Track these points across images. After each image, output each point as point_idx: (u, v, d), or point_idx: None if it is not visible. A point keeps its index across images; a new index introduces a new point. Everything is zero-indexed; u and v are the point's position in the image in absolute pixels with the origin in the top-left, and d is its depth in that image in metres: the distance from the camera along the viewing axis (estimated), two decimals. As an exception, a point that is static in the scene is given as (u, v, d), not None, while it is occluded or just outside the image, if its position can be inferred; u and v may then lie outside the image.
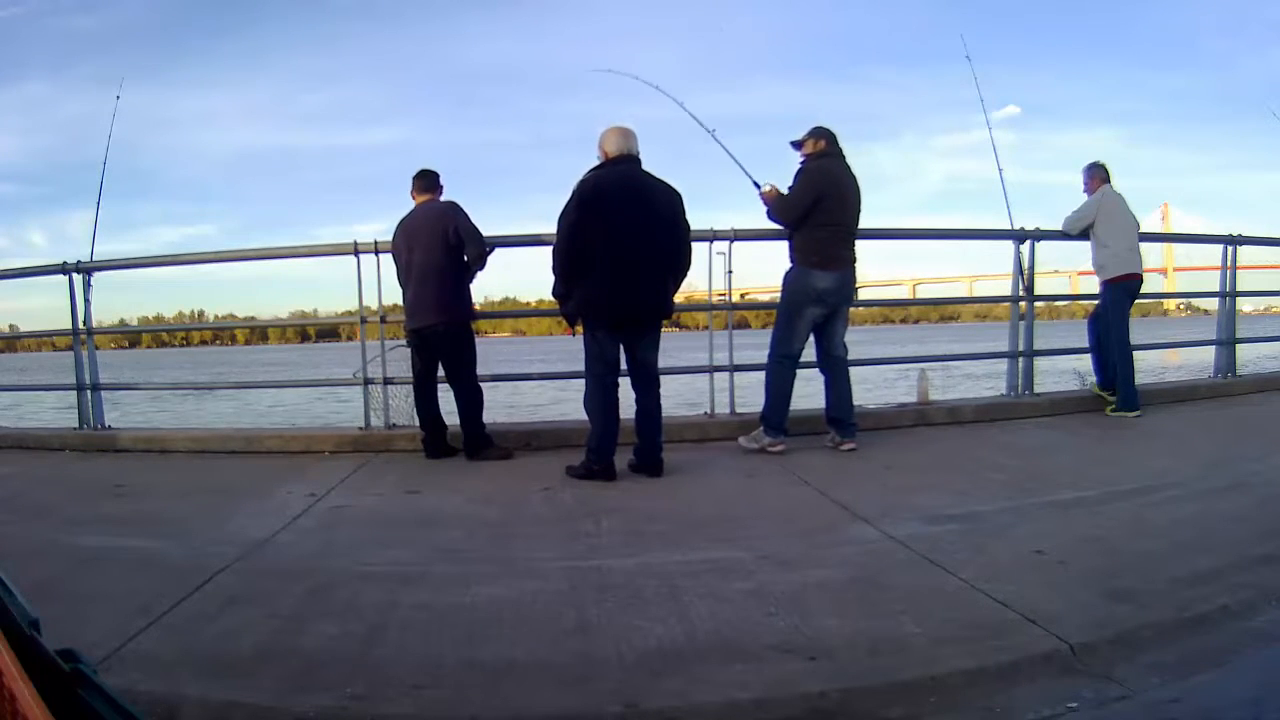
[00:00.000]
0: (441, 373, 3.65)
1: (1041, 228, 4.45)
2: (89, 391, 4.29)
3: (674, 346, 3.84)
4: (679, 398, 4.70)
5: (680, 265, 3.19)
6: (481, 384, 3.66)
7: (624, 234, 2.95)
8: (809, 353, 3.62)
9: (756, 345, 3.67)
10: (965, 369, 9.69)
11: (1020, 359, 4.54)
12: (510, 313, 10.47)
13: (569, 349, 3.61)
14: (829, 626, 1.62)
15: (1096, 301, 4.45)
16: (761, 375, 3.64)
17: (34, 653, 0.46)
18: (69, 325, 4.27)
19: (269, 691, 1.42)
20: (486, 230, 3.61)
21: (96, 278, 4.27)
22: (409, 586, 1.92)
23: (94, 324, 4.39)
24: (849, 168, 3.56)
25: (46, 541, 2.35)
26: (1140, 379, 4.44)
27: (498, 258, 3.77)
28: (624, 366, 3.16)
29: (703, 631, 1.62)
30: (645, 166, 3.12)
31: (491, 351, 4.90)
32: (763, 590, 1.83)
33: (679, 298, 3.35)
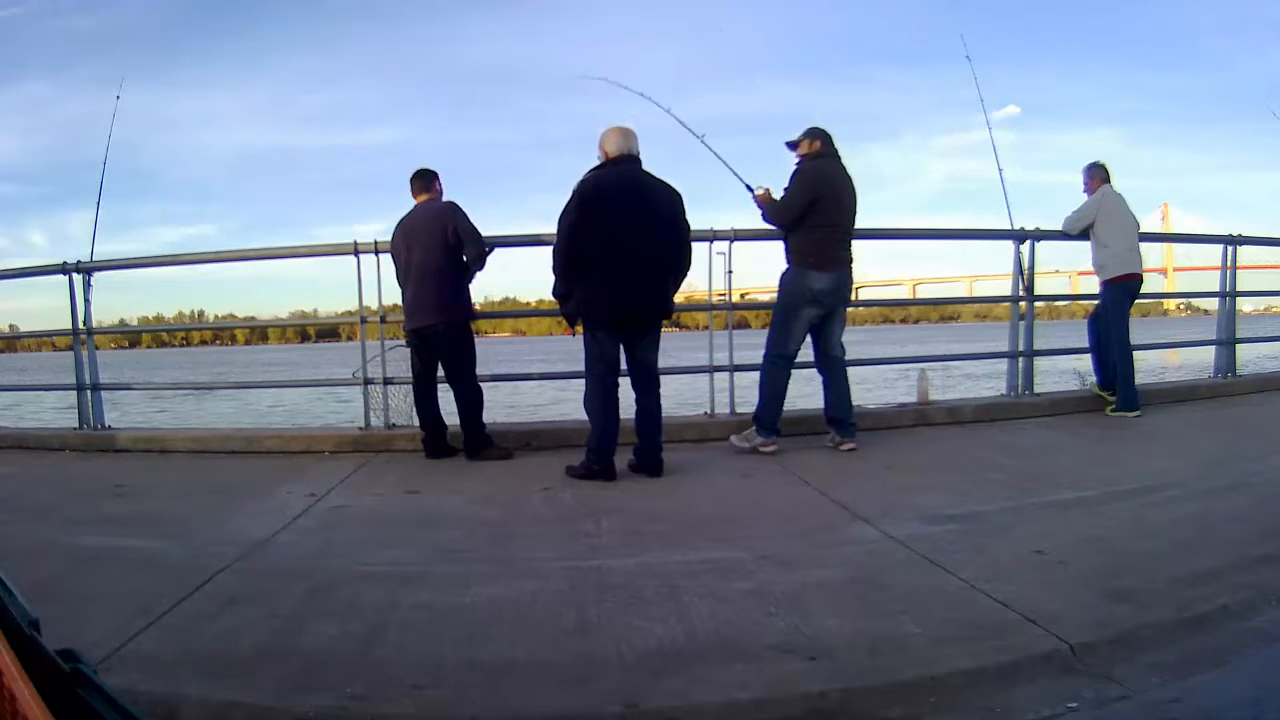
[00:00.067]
0: (441, 373, 3.65)
1: (1041, 228, 4.45)
2: (89, 391, 4.29)
3: (674, 346, 3.84)
4: (679, 398, 4.70)
5: (680, 265, 3.19)
6: (481, 384, 3.66)
7: (624, 234, 2.95)
8: (807, 353, 3.62)
9: (756, 345, 3.67)
10: (965, 369, 9.69)
11: (1020, 359, 4.54)
12: (510, 313, 10.47)
13: (569, 349, 3.61)
14: (829, 626, 1.62)
15: (1096, 301, 4.45)
16: (761, 375, 3.63)
17: (34, 653, 0.46)
18: (69, 325, 4.27)
19: (269, 691, 1.42)
20: (486, 230, 3.61)
21: (96, 278, 4.27)
22: (409, 586, 1.92)
23: (94, 324, 4.39)
24: (844, 168, 3.56)
25: (46, 541, 2.35)
26: (1140, 379, 4.44)
27: (497, 258, 3.77)
28: (624, 366, 3.16)
29: (703, 631, 1.62)
30: (646, 167, 3.12)
31: (491, 351, 4.90)
32: (763, 590, 1.83)
33: (679, 298, 3.35)
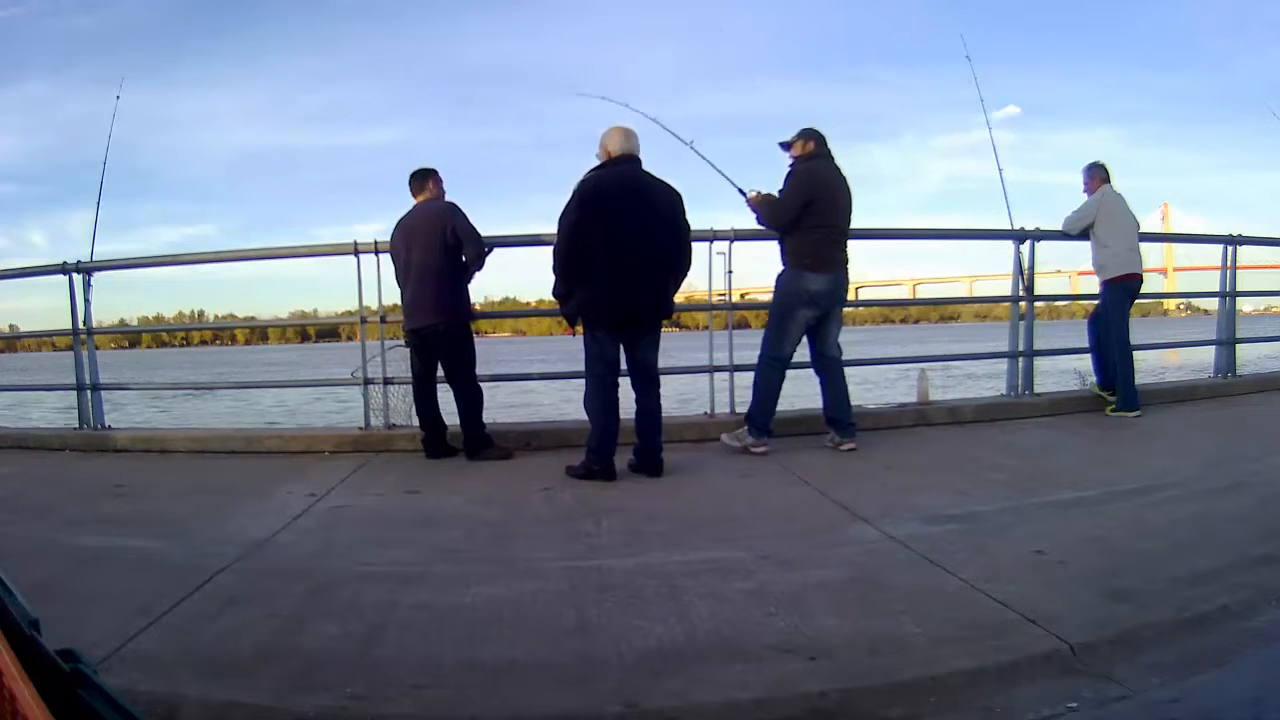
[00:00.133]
0: (441, 373, 3.65)
1: (1041, 228, 4.46)
2: (89, 391, 4.29)
3: (674, 346, 3.84)
4: (679, 397, 4.70)
5: (680, 265, 3.19)
6: (482, 384, 3.66)
7: (624, 234, 2.95)
8: (804, 354, 3.62)
9: (756, 345, 3.67)
10: (965, 369, 9.70)
11: (1020, 359, 4.54)
12: (510, 313, 10.47)
13: (569, 349, 3.61)
14: (829, 626, 1.62)
15: (1096, 301, 4.45)
16: (760, 376, 3.63)
17: (34, 653, 0.46)
18: (69, 325, 4.27)
19: (269, 691, 1.42)
20: (486, 230, 3.61)
21: (96, 278, 4.27)
22: (409, 586, 1.92)
23: (94, 324, 4.40)
24: (839, 169, 3.55)
25: (46, 541, 2.35)
26: (1140, 379, 4.44)
27: (497, 257, 3.77)
28: (624, 366, 3.16)
29: (703, 631, 1.62)
30: (646, 168, 3.12)
31: (492, 351, 4.90)
32: (763, 590, 1.83)
33: (679, 298, 3.35)
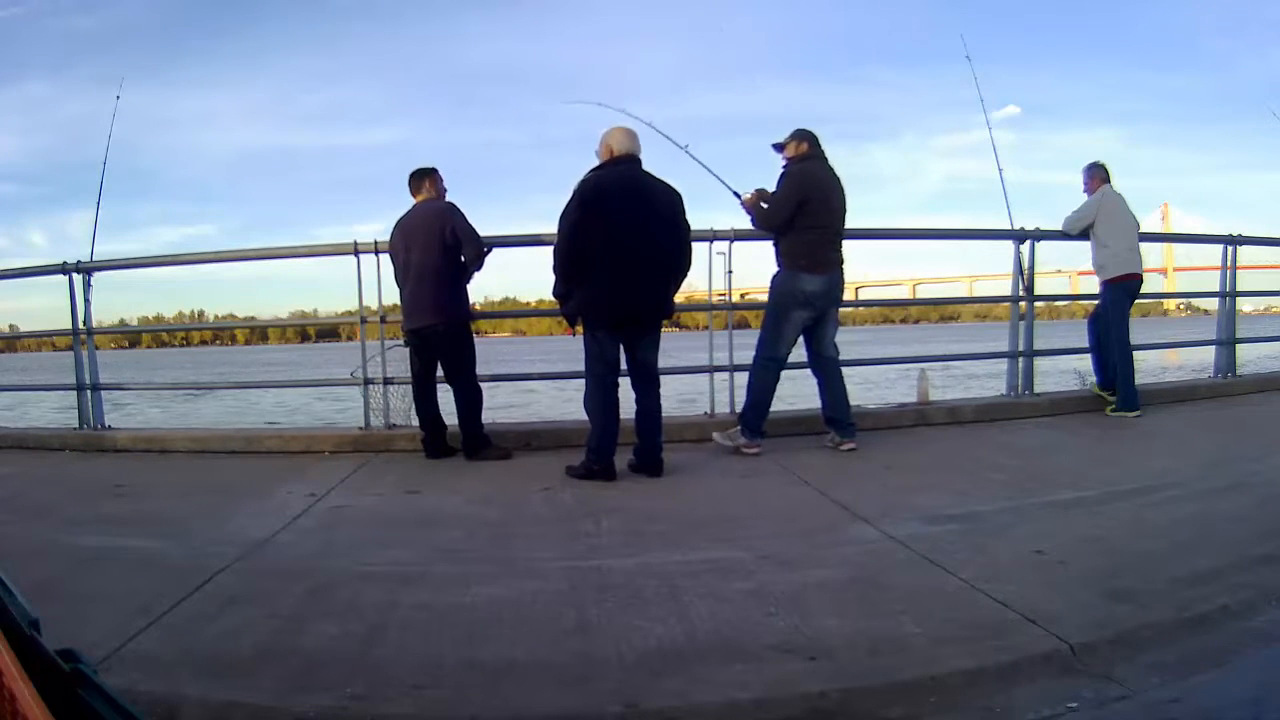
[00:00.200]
0: (441, 373, 3.65)
1: (1041, 228, 4.46)
2: (89, 391, 4.29)
3: (674, 346, 3.84)
4: (679, 397, 4.70)
5: (680, 265, 3.19)
6: (482, 384, 3.66)
7: (624, 234, 2.95)
8: (802, 355, 3.62)
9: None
10: (965, 369, 9.69)
11: (1020, 359, 4.54)
12: (510, 313, 10.46)
13: (569, 349, 3.61)
14: (829, 626, 1.62)
15: (1096, 301, 4.45)
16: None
17: (34, 653, 0.46)
18: (69, 325, 4.27)
19: (269, 691, 1.42)
20: (486, 230, 3.61)
21: (96, 278, 4.27)
22: (409, 586, 1.92)
23: (94, 324, 4.40)
24: (832, 169, 3.55)
25: (46, 541, 2.35)
26: (1140, 379, 4.44)
27: (497, 257, 3.77)
28: (624, 366, 3.16)
29: (703, 631, 1.62)
30: (646, 167, 3.12)
31: (492, 351, 4.90)
32: (763, 590, 1.83)
33: (679, 298, 3.35)
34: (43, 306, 5.70)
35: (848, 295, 3.74)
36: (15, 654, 0.44)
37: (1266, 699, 1.13)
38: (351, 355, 4.12)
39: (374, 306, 4.09)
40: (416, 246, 3.52)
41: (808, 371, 3.69)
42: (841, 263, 3.56)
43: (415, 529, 2.49)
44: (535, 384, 5.75)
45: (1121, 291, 4.30)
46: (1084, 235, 4.34)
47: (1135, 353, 4.32)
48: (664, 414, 3.23)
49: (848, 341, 3.66)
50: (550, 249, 3.15)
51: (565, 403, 5.52)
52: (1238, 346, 5.26)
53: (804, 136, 3.54)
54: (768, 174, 3.67)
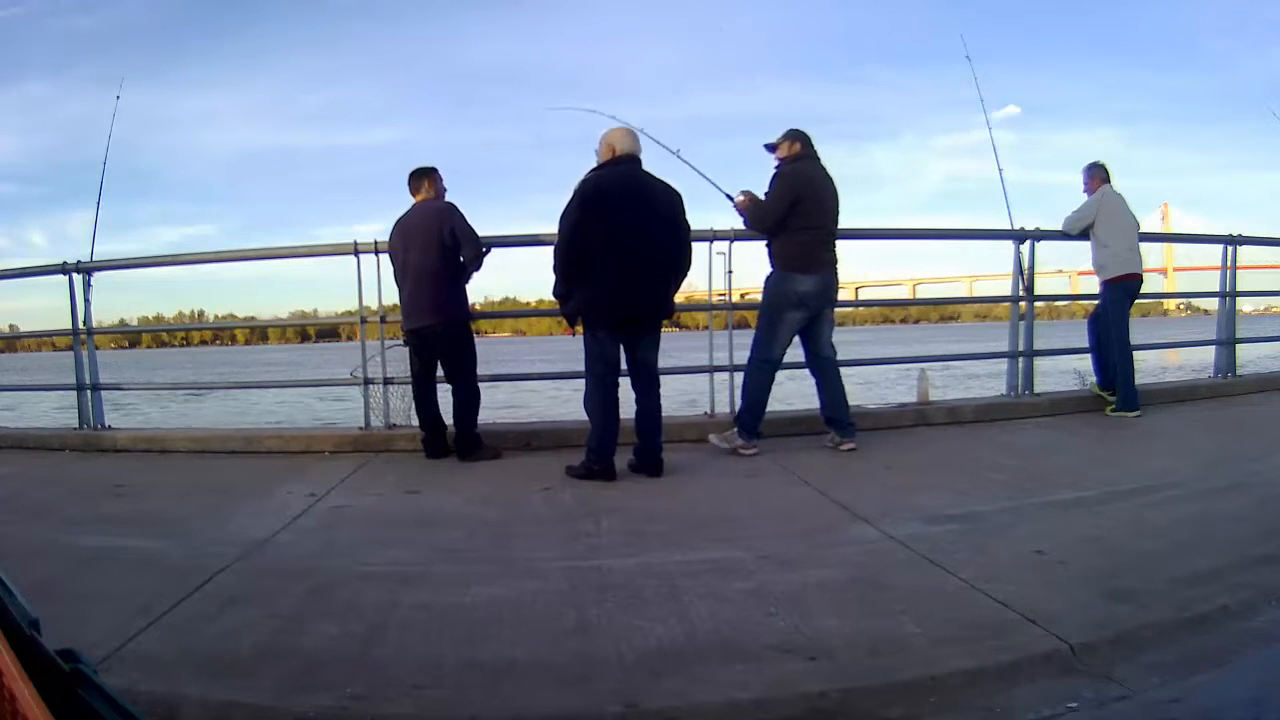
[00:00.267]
0: (441, 373, 3.65)
1: (1041, 228, 4.45)
2: (89, 391, 4.29)
3: (674, 346, 3.84)
4: (679, 397, 4.70)
5: (681, 265, 3.19)
6: (482, 384, 3.66)
7: (625, 234, 2.95)
8: (799, 355, 3.61)
9: (756, 346, 3.66)
10: (965, 369, 9.69)
11: (1020, 359, 4.54)
12: (510, 313, 10.44)
13: (569, 349, 3.61)
14: (829, 626, 1.62)
15: (1096, 301, 4.45)
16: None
17: (34, 653, 0.46)
18: (69, 325, 4.27)
19: (269, 691, 1.42)
20: (486, 230, 3.61)
21: (96, 278, 4.27)
22: (409, 586, 1.92)
23: (94, 324, 4.39)
24: (825, 170, 3.55)
25: (46, 541, 2.35)
26: (1140, 379, 4.44)
27: (496, 257, 3.77)
28: (624, 366, 3.16)
29: (703, 631, 1.62)
30: (646, 166, 3.12)
31: (492, 351, 4.90)
32: (763, 590, 1.83)
33: (679, 298, 3.35)
34: (43, 306, 5.71)
35: (848, 295, 3.75)
36: (15, 654, 0.44)
37: (1266, 699, 1.13)
38: (351, 355, 4.12)
39: (374, 306, 4.09)
40: (416, 246, 3.52)
41: (807, 371, 3.69)
42: (835, 263, 3.55)
43: (415, 529, 2.49)
44: (535, 383, 5.73)
45: (1121, 291, 4.30)
46: (1084, 235, 4.34)
47: (1135, 353, 4.32)
48: (664, 414, 3.23)
49: (847, 341, 3.66)
50: (550, 249, 3.14)
51: (565, 403, 5.52)
52: (1238, 346, 5.26)
53: (796, 137, 3.53)
54: (767, 174, 3.67)
